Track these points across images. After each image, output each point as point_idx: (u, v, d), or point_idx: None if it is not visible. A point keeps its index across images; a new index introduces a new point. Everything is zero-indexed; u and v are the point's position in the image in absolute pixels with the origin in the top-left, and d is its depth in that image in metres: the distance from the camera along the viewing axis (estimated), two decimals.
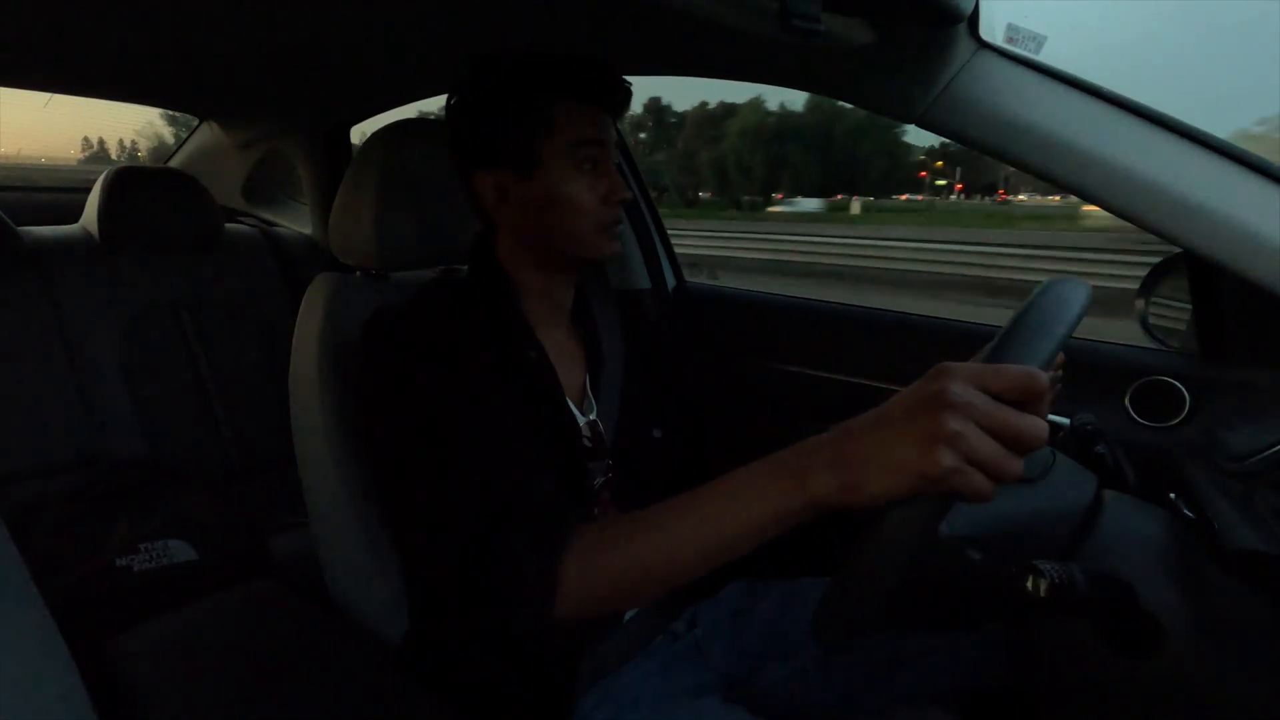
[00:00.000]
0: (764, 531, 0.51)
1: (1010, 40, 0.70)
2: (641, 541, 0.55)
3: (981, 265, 8.77)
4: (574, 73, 0.72)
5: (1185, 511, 0.69)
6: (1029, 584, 0.47)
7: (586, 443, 0.78)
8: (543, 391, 0.74)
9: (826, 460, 0.48)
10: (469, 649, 0.73)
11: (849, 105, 0.88)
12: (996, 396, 0.43)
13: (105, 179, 1.53)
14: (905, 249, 10.24)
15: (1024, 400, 0.43)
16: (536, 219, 0.74)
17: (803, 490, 0.48)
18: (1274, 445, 0.70)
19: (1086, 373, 0.93)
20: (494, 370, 0.71)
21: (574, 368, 0.81)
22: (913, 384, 0.46)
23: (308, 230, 1.92)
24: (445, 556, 0.71)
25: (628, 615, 0.80)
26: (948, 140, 0.75)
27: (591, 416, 0.80)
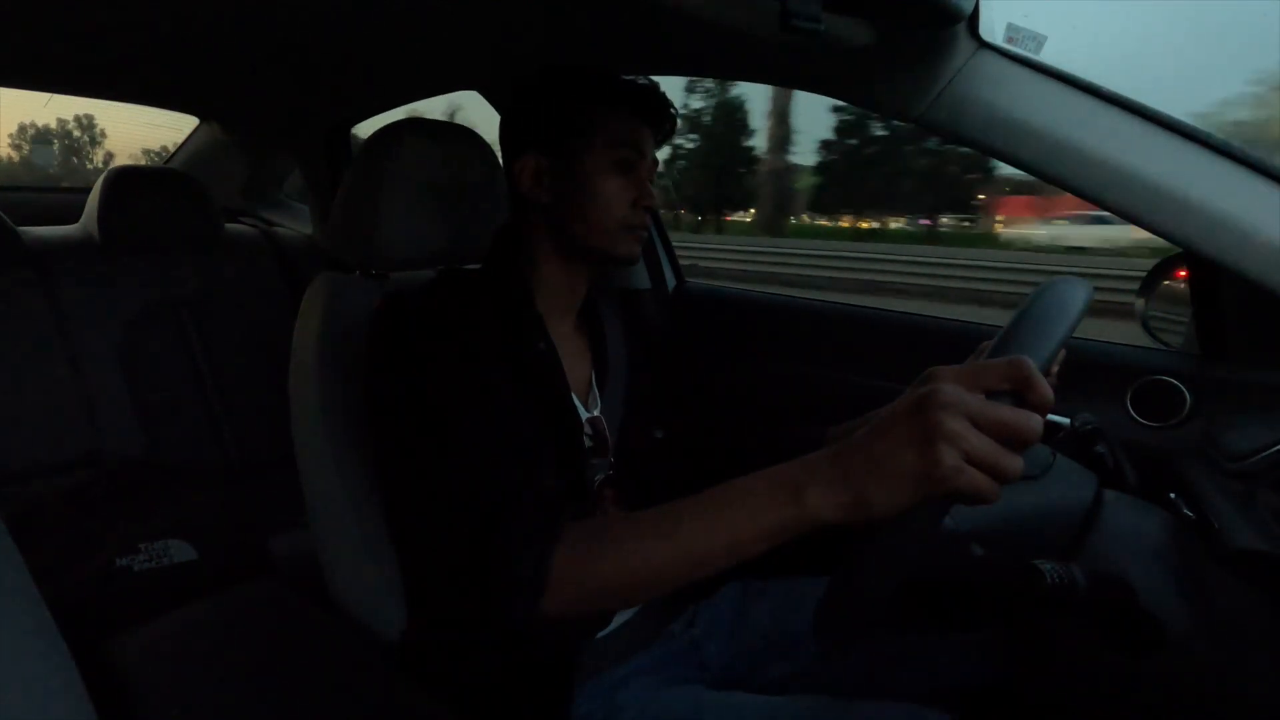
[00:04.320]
0: (756, 545, 0.51)
1: (1010, 40, 0.70)
2: (633, 545, 0.55)
3: None
4: (628, 87, 0.77)
5: (1185, 511, 0.69)
6: (1029, 584, 0.47)
7: (588, 440, 0.78)
8: (547, 385, 0.75)
9: (826, 477, 0.48)
10: (466, 646, 0.73)
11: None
12: (990, 393, 0.44)
13: (105, 179, 1.53)
14: None
15: (1016, 390, 0.43)
16: (566, 207, 0.76)
17: (799, 506, 0.48)
18: (1274, 445, 0.70)
19: (1086, 373, 0.93)
20: (501, 360, 0.71)
21: (580, 364, 0.81)
22: (904, 393, 0.47)
23: (308, 230, 1.92)
24: (440, 546, 0.71)
25: (626, 615, 0.80)
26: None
27: (595, 413, 0.80)
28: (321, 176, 1.76)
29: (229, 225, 1.76)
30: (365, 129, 1.74)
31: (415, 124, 0.88)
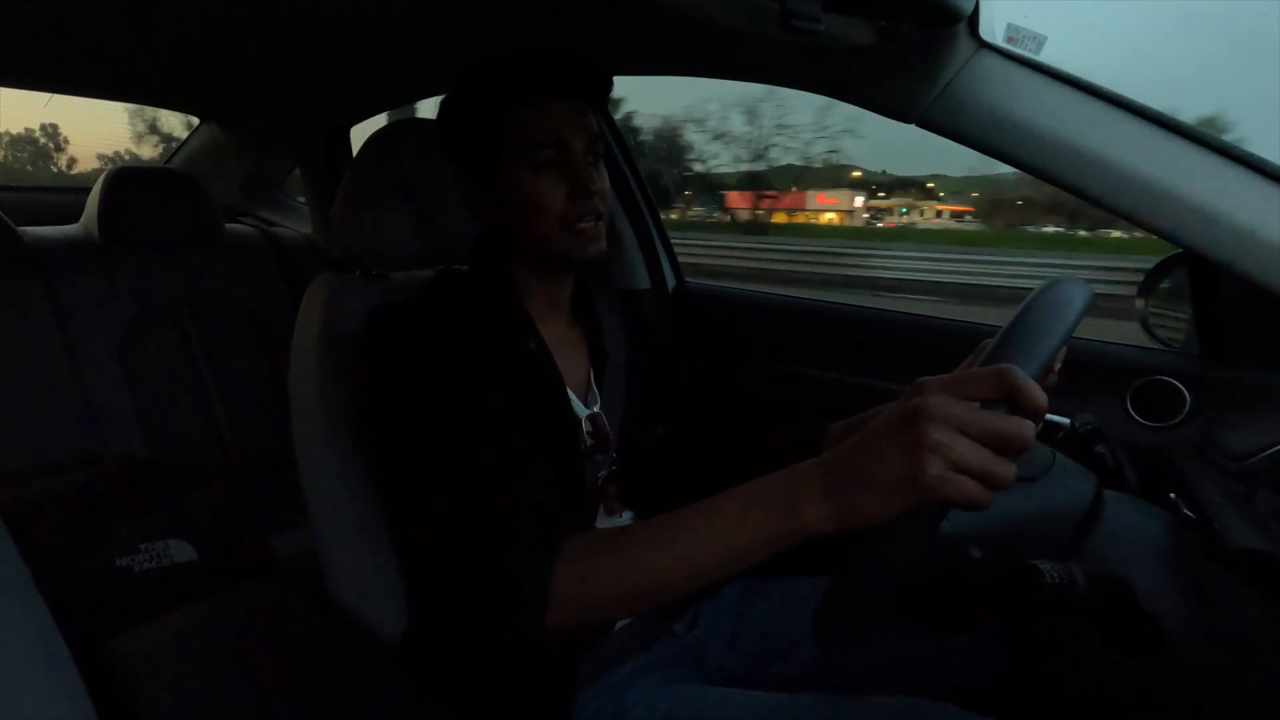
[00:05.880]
0: (752, 555, 0.52)
1: (1010, 40, 0.70)
2: (631, 558, 0.56)
3: None
4: (530, 70, 0.69)
5: (1185, 511, 0.69)
6: (1029, 584, 0.47)
7: (589, 436, 0.78)
8: (543, 383, 0.74)
9: (818, 488, 0.48)
10: (467, 649, 0.73)
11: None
12: (983, 402, 0.44)
13: (105, 179, 1.53)
14: None
15: (1007, 398, 0.43)
16: (508, 220, 0.74)
17: (794, 518, 0.49)
18: (1274, 445, 0.70)
19: (1086, 373, 0.92)
20: (494, 365, 0.71)
21: (577, 361, 0.81)
22: (894, 403, 0.47)
23: (308, 230, 1.92)
24: (439, 559, 0.71)
25: (627, 619, 0.80)
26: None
27: (596, 409, 0.80)
28: (321, 176, 1.76)
29: (229, 225, 1.76)
30: (365, 129, 1.74)
31: (414, 124, 0.88)
